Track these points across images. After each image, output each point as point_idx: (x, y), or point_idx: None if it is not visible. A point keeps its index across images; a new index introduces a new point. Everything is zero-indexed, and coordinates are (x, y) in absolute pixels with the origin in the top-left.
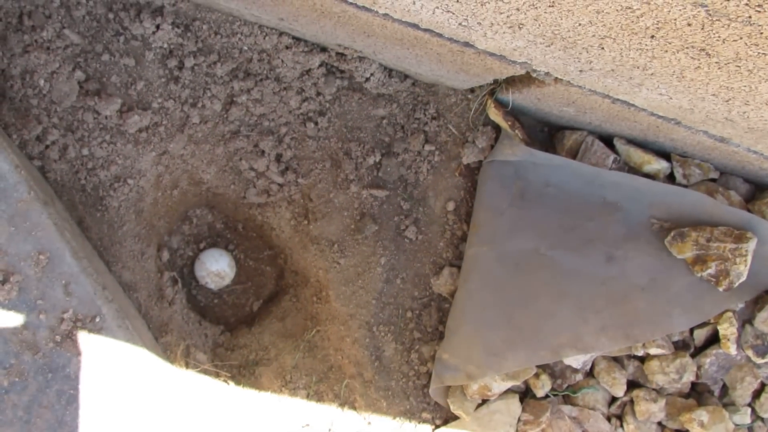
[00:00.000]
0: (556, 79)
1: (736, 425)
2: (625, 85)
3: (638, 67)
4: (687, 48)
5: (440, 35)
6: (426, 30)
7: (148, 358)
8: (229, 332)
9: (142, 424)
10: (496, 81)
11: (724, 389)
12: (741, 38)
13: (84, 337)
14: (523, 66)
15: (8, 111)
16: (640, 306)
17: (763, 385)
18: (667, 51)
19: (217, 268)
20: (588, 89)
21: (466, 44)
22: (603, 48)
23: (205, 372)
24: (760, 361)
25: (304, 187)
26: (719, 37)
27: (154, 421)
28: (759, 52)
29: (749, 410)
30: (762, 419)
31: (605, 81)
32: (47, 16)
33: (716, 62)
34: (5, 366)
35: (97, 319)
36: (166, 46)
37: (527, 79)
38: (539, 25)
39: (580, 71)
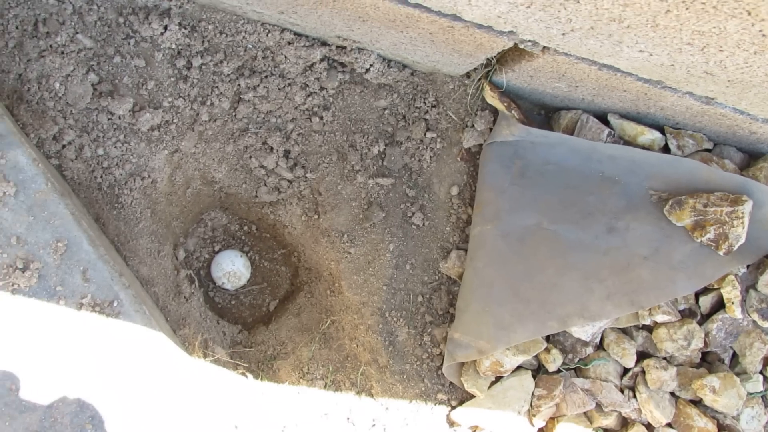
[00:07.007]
0: (543, 48)
1: (750, 393)
2: (607, 45)
3: (614, 20)
4: None
5: (428, 9)
6: (415, 5)
7: (166, 344)
8: (247, 331)
9: (161, 410)
10: (489, 62)
11: (735, 358)
12: None
13: (102, 322)
14: (510, 37)
15: (25, 112)
16: (643, 274)
17: None
18: None
19: (232, 268)
20: (574, 56)
21: (454, 17)
22: (578, 1)
23: (224, 364)
24: (766, 324)
25: (312, 181)
26: None
27: (172, 407)
28: None
29: (761, 378)
30: None
31: (588, 43)
32: (61, 22)
33: (683, 2)
34: None
35: (115, 304)
36: (174, 46)
37: (517, 53)
38: None
39: (563, 34)
